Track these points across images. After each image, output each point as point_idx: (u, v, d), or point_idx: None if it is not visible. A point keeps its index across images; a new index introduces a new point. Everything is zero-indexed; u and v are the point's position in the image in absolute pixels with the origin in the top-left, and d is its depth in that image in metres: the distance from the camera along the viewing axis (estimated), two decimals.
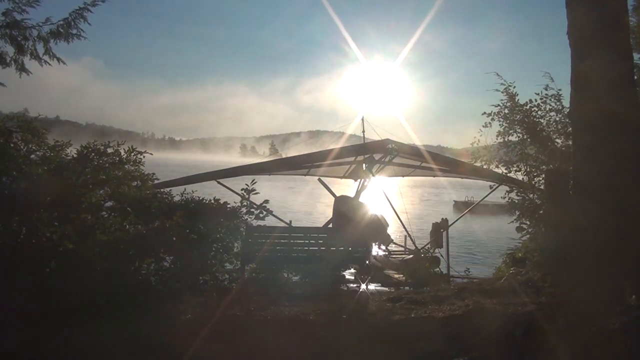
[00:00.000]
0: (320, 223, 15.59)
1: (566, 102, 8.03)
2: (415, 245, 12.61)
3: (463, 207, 25.79)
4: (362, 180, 13.05)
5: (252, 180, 6.96)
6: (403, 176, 15.69)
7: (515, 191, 8.15)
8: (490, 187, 10.74)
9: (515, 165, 8.56)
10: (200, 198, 6.85)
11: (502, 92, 8.59)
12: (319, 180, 12.96)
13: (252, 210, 7.12)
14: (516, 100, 8.57)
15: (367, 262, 8.01)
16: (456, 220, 14.04)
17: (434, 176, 15.06)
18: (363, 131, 13.49)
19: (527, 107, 8.51)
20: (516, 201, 8.05)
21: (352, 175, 14.04)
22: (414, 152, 11.96)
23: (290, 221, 11.89)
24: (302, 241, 7.71)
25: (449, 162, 11.99)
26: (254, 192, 6.96)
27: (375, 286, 8.95)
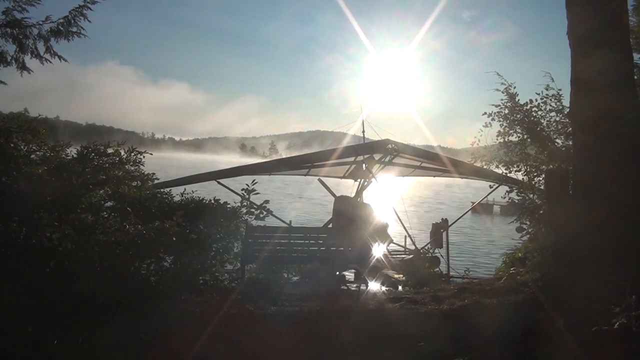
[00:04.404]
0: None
1: (566, 102, 8.03)
2: (415, 245, 12.61)
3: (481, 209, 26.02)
4: (362, 180, 13.05)
5: (253, 181, 6.95)
6: (403, 176, 15.71)
7: (515, 191, 8.15)
8: (490, 187, 10.74)
9: (515, 165, 8.55)
10: (200, 198, 6.84)
11: (502, 92, 8.59)
12: (319, 180, 12.96)
13: (253, 210, 7.12)
14: (516, 100, 8.57)
15: (367, 262, 8.01)
16: (456, 221, 14.04)
17: (434, 176, 15.10)
18: (363, 131, 13.50)
19: (528, 107, 8.50)
20: (516, 201, 8.06)
21: (352, 175, 14.03)
22: (413, 152, 11.97)
23: (290, 221, 11.90)
24: (302, 241, 7.72)
25: (449, 162, 11.99)
26: (255, 192, 6.95)
27: (375, 286, 8.95)
